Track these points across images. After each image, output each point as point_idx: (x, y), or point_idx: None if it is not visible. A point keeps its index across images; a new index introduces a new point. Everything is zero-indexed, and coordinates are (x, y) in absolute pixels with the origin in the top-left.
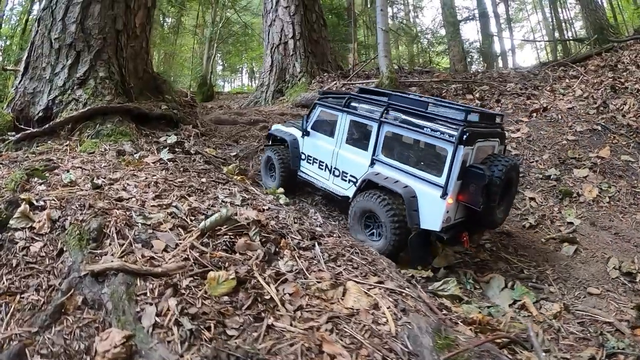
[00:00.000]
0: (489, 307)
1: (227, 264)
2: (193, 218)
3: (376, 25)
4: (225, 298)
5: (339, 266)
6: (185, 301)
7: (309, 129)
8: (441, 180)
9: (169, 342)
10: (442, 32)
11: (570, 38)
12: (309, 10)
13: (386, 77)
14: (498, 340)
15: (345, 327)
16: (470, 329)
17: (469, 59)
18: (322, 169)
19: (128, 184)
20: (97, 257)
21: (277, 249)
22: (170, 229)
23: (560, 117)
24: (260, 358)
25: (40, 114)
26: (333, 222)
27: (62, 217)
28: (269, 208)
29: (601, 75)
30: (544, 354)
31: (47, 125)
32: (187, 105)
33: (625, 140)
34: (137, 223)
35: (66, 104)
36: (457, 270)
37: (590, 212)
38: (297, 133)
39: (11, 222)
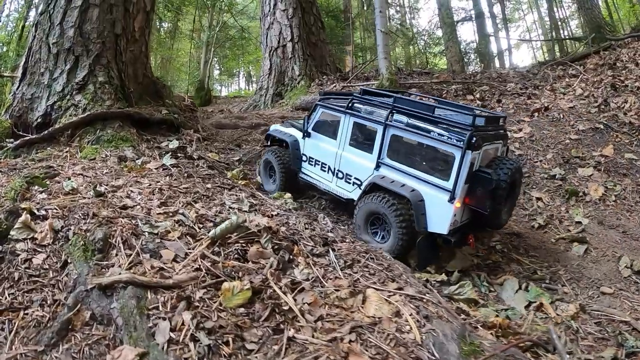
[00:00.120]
0: (505, 309)
1: (240, 273)
2: (201, 226)
3: (375, 27)
4: (242, 310)
5: (356, 273)
6: (200, 314)
7: (310, 130)
8: (449, 185)
9: (185, 359)
10: (439, 33)
11: (568, 37)
12: (306, 12)
13: (386, 79)
14: (521, 344)
15: (369, 337)
16: (491, 333)
17: (466, 60)
18: (324, 171)
19: (132, 191)
20: (103, 269)
21: (290, 257)
22: (179, 238)
23: (562, 116)
24: None
25: (39, 120)
26: (342, 227)
27: (65, 226)
28: (278, 214)
29: (601, 74)
30: (567, 356)
31: (46, 132)
32: (187, 109)
33: (628, 139)
34: (144, 232)
35: (65, 109)
36: (470, 273)
37: (597, 211)
38: (297, 134)
39: (12, 233)
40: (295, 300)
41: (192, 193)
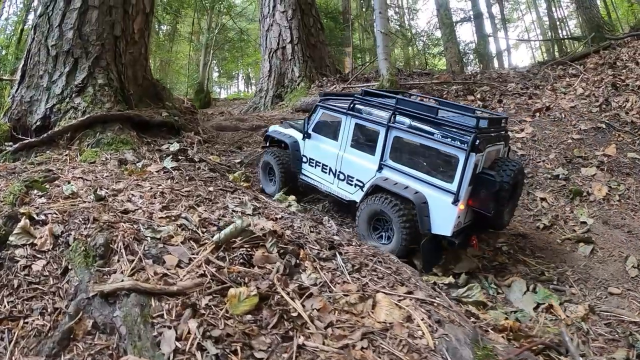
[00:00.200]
0: (514, 312)
1: (246, 279)
2: (204, 230)
3: (375, 28)
4: (249, 317)
5: (364, 277)
6: (207, 322)
7: (310, 131)
8: (453, 187)
9: None
10: (438, 34)
11: (567, 37)
12: (306, 14)
13: (387, 80)
14: (534, 347)
15: (381, 343)
16: (503, 337)
17: (465, 60)
18: (325, 172)
19: (133, 195)
20: (105, 276)
21: (297, 261)
22: (182, 243)
23: (563, 116)
24: None
25: (38, 123)
26: (347, 230)
27: (65, 232)
28: (282, 217)
29: (601, 73)
30: (580, 358)
31: (45, 135)
32: (187, 112)
33: (630, 138)
34: (146, 237)
35: (64, 112)
36: (477, 275)
37: (602, 210)
38: (297, 134)
39: (11, 238)
40: (303, 306)
41: (194, 196)
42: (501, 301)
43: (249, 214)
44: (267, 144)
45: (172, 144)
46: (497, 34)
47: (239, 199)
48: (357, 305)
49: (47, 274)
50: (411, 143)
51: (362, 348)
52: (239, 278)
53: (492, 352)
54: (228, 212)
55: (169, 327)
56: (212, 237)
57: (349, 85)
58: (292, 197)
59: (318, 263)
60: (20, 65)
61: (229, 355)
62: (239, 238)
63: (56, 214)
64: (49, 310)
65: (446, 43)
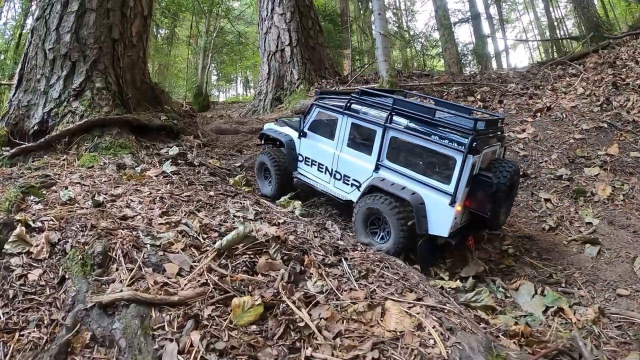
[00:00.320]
0: (524, 316)
1: (250, 287)
2: (206, 236)
3: (374, 30)
4: (254, 327)
5: (371, 283)
6: (210, 334)
7: (306, 129)
8: (450, 188)
9: None
10: (436, 35)
11: (566, 36)
12: (304, 16)
13: (386, 82)
14: (547, 354)
15: (393, 354)
16: (515, 342)
17: (464, 61)
18: (321, 172)
19: (131, 200)
20: (103, 285)
21: (302, 268)
22: (183, 250)
23: (564, 116)
24: None
25: (36, 128)
26: (351, 234)
27: (62, 239)
28: (285, 221)
29: (601, 73)
30: None
31: (42, 139)
32: (186, 115)
33: (632, 137)
34: (146, 244)
35: (62, 116)
36: (485, 278)
37: (607, 211)
38: (292, 133)
39: (6, 246)
40: (310, 315)
41: (195, 201)
42: (510, 305)
43: (250, 219)
44: (263, 142)
45: (171, 147)
46: (496, 35)
47: (241, 203)
48: (366, 314)
49: (44, 283)
50: (408, 144)
51: (373, 359)
52: (242, 287)
53: None
54: (229, 217)
55: (171, 340)
56: (214, 243)
57: (348, 87)
58: (297, 202)
59: (323, 269)
60: (18, 69)
61: None
62: (242, 244)
63: (53, 221)
64: (45, 322)
65: (444, 44)
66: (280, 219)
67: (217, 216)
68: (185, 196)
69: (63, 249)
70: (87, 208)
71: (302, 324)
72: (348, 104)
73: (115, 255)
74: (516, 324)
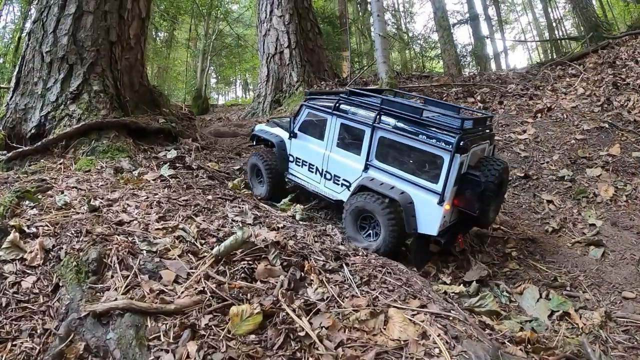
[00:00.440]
0: (529, 321)
1: (249, 295)
2: (203, 241)
3: (373, 32)
4: (252, 337)
5: (374, 290)
6: (207, 345)
7: (296, 130)
8: (438, 187)
9: None
10: (435, 37)
11: (565, 37)
12: (303, 18)
13: (386, 83)
14: None
15: None
16: (521, 349)
17: (464, 62)
18: (312, 172)
19: (128, 205)
20: (98, 293)
21: (302, 274)
22: (180, 256)
23: (565, 117)
24: None
25: (33, 131)
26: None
27: (57, 245)
28: (284, 226)
29: (601, 73)
30: None
31: (39, 143)
32: (185, 118)
33: (634, 137)
34: (142, 250)
35: (59, 120)
36: (488, 282)
37: (610, 212)
38: (283, 133)
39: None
40: (311, 323)
41: (193, 206)
42: (514, 310)
43: (249, 224)
44: (254, 143)
45: (169, 151)
46: (494, 36)
47: (239, 207)
48: (369, 322)
49: (37, 291)
50: (396, 143)
51: None
52: (240, 294)
53: None
54: (228, 222)
55: (167, 351)
56: (212, 249)
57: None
58: (299, 206)
59: (324, 276)
60: (15, 72)
61: None
62: (240, 250)
63: (48, 227)
64: (38, 331)
65: (443, 45)
66: (280, 224)
67: (215, 221)
68: (183, 200)
69: (57, 256)
70: (83, 213)
71: (302, 334)
72: (337, 105)
73: (111, 261)
74: (522, 329)
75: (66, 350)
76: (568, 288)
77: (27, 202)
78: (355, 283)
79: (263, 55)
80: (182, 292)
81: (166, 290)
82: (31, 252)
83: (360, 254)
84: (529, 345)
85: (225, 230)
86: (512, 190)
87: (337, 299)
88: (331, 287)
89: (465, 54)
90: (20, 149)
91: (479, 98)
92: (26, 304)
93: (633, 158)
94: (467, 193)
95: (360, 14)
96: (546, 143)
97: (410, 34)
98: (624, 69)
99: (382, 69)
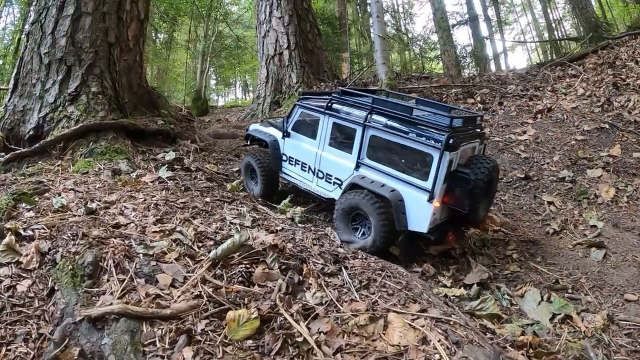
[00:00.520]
0: (531, 325)
1: (246, 299)
2: (201, 244)
3: (372, 33)
4: (249, 342)
5: (373, 294)
6: (204, 350)
7: (289, 130)
8: (428, 185)
9: None
10: (434, 38)
11: (565, 37)
12: (302, 20)
13: (385, 84)
14: None
15: None
16: (523, 354)
17: (463, 63)
18: (305, 171)
19: (125, 207)
20: (93, 297)
21: (300, 278)
22: (176, 259)
23: (565, 117)
24: None
25: (31, 133)
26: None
27: (53, 249)
28: (283, 228)
29: (601, 73)
30: None
31: (37, 145)
32: (184, 119)
33: (634, 137)
34: (138, 254)
35: (57, 121)
36: (489, 285)
37: (611, 213)
38: (276, 133)
39: None
40: (309, 329)
41: (190, 208)
42: (516, 313)
43: (247, 226)
44: (249, 143)
45: (167, 152)
46: (494, 37)
47: (237, 210)
48: (368, 327)
49: (33, 295)
50: (387, 142)
51: None
52: (238, 299)
53: None
54: (226, 224)
55: (162, 357)
56: (209, 252)
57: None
58: (298, 208)
59: (323, 279)
60: (13, 74)
61: None
62: (238, 253)
63: (44, 229)
64: (33, 336)
65: (443, 46)
66: (278, 226)
67: (213, 223)
68: (181, 202)
69: (53, 259)
70: (80, 215)
71: (300, 339)
72: (329, 104)
73: (107, 265)
74: (523, 333)
75: (61, 355)
76: (570, 290)
77: (23, 204)
78: (355, 287)
79: (262, 57)
80: (179, 297)
81: (162, 295)
82: (27, 255)
83: (359, 257)
84: (531, 350)
85: (223, 233)
86: (513, 192)
87: (336, 303)
88: (330, 291)
89: (464, 54)
90: (18, 151)
91: (478, 99)
92: (21, 308)
93: (634, 159)
94: (457, 190)
95: (360, 15)
96: (546, 144)
97: (410, 35)
98: (624, 70)
99: (381, 70)
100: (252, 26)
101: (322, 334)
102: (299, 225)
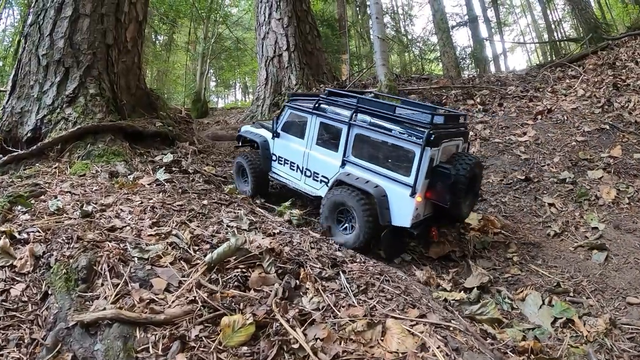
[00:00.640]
0: (532, 329)
1: (241, 304)
2: (197, 248)
3: (372, 34)
4: (244, 349)
5: (371, 299)
6: (198, 357)
7: (279, 130)
8: (410, 180)
9: None
10: (434, 39)
11: (565, 38)
12: (302, 21)
13: (385, 86)
14: None
15: None
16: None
17: (463, 65)
18: (293, 170)
19: (121, 210)
20: (87, 302)
21: (297, 282)
22: (172, 263)
23: (565, 118)
24: None
25: (29, 135)
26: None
27: (47, 252)
28: (280, 232)
29: (601, 74)
30: None
31: (34, 147)
32: (182, 121)
33: (635, 138)
34: (133, 257)
35: (55, 123)
36: (490, 288)
37: (612, 215)
38: (267, 134)
39: None
40: (305, 335)
41: (187, 211)
42: (517, 317)
43: (244, 229)
44: (240, 144)
45: (165, 154)
46: (493, 38)
47: (235, 212)
48: (366, 333)
49: (26, 299)
50: (371, 139)
51: None
52: (233, 304)
53: None
54: (222, 227)
55: None
56: (205, 256)
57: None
58: (296, 211)
59: (320, 284)
60: (11, 76)
61: None
62: (234, 257)
63: (39, 232)
64: (26, 341)
65: (443, 48)
66: (276, 229)
67: (210, 226)
68: (178, 205)
69: (47, 263)
70: (75, 218)
71: (296, 346)
72: (317, 104)
73: (101, 269)
74: (524, 338)
75: None
76: (571, 294)
77: (19, 207)
78: (352, 292)
79: (262, 58)
80: (173, 302)
81: (156, 300)
82: (21, 258)
83: (357, 260)
84: (532, 356)
85: (220, 236)
86: (513, 194)
87: (333, 308)
88: (327, 296)
89: (464, 56)
90: (16, 153)
91: (478, 100)
92: (14, 313)
93: (634, 160)
94: (438, 185)
95: (359, 16)
96: (547, 145)
97: (410, 37)
98: (624, 70)
99: (381, 71)
100: (252, 28)
101: (318, 340)
102: (297, 228)
